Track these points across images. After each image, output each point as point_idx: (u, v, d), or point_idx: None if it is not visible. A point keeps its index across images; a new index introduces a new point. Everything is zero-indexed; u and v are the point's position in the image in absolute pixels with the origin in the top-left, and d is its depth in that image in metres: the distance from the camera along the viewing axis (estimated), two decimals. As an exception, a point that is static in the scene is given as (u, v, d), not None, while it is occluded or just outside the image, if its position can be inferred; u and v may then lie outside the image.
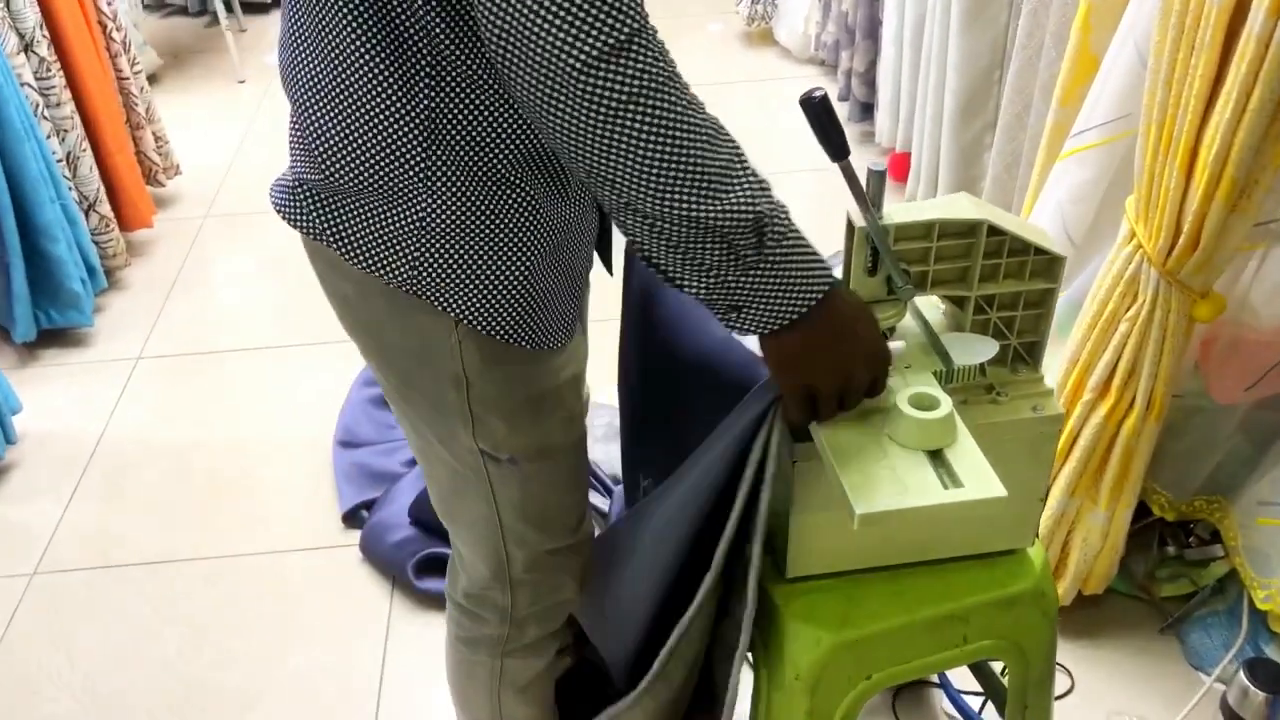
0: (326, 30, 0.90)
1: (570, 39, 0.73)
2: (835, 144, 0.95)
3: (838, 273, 1.05)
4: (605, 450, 2.01)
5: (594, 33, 0.73)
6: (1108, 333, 1.52)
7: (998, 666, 1.38)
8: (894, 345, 0.99)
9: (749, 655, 1.14)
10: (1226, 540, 1.68)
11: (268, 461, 2.24)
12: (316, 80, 0.93)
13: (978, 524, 1.08)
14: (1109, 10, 1.64)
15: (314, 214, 0.99)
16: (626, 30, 0.74)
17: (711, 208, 0.80)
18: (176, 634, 1.87)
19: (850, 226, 0.99)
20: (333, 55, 0.90)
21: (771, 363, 0.92)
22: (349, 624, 1.87)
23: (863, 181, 0.96)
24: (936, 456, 0.89)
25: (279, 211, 1.02)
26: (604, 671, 1.52)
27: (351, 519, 2.05)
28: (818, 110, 0.94)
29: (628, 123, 0.76)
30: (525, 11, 0.73)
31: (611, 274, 1.23)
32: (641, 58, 0.75)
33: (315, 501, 2.12)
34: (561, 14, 0.73)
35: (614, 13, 0.73)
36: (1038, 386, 1.03)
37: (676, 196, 0.79)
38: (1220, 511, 1.70)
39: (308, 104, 0.94)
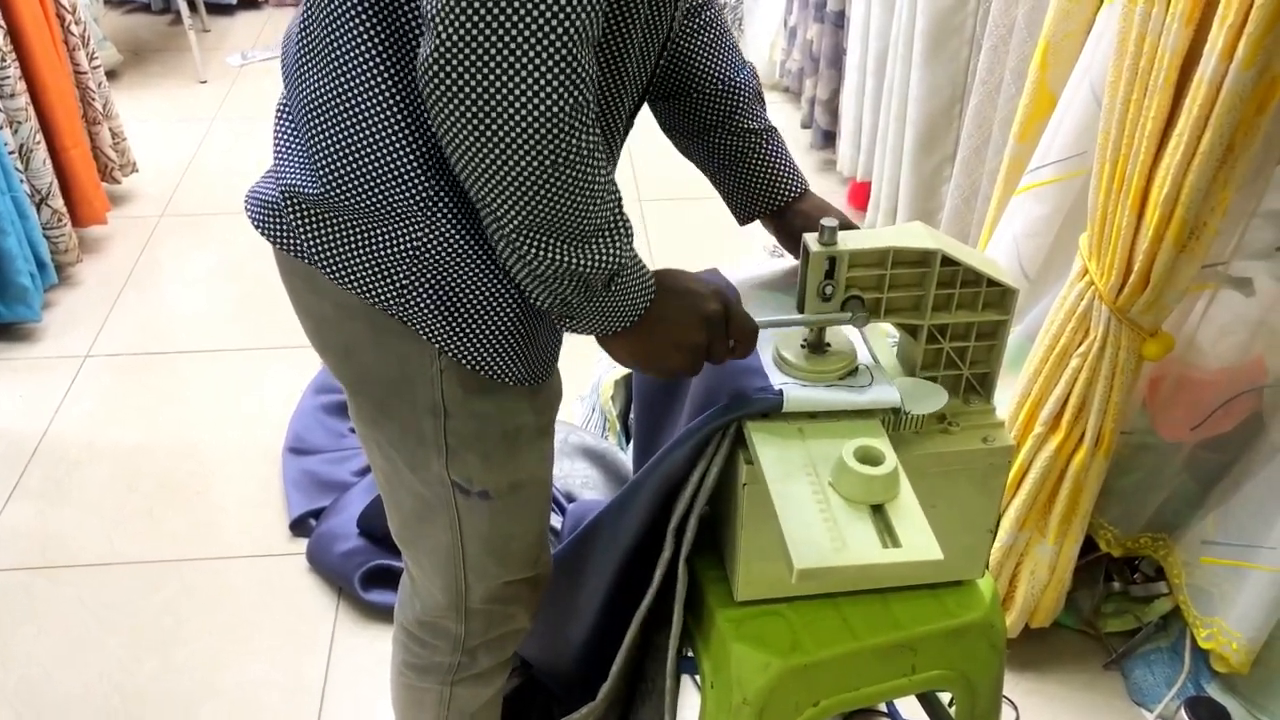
0: (338, 41, 0.88)
1: (501, 130, 0.77)
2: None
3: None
4: (560, 466, 2.00)
5: (540, 144, 0.78)
6: (1059, 368, 1.54)
7: (945, 697, 1.39)
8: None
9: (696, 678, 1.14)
10: (1170, 578, 1.70)
11: (216, 466, 2.21)
12: (324, 89, 0.90)
13: (917, 573, 1.09)
14: (1066, 49, 1.68)
15: (300, 230, 0.95)
16: (568, 132, 0.78)
17: (581, 259, 0.87)
18: (116, 641, 1.83)
19: (805, 250, 0.99)
20: (343, 67, 0.88)
21: (613, 357, 0.99)
22: (293, 634, 1.84)
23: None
24: (878, 511, 0.89)
25: (257, 227, 0.98)
26: (550, 690, 1.51)
27: (299, 527, 2.02)
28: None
29: (532, 187, 0.81)
30: (470, 108, 0.77)
31: None
32: (559, 125, 0.78)
33: (263, 508, 2.09)
34: (501, 110, 0.77)
35: (545, 89, 0.77)
36: (989, 418, 1.04)
37: (555, 247, 0.85)
38: (1165, 549, 1.72)
39: (312, 112, 0.91)
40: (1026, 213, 1.70)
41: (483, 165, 0.80)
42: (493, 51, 0.74)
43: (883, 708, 1.64)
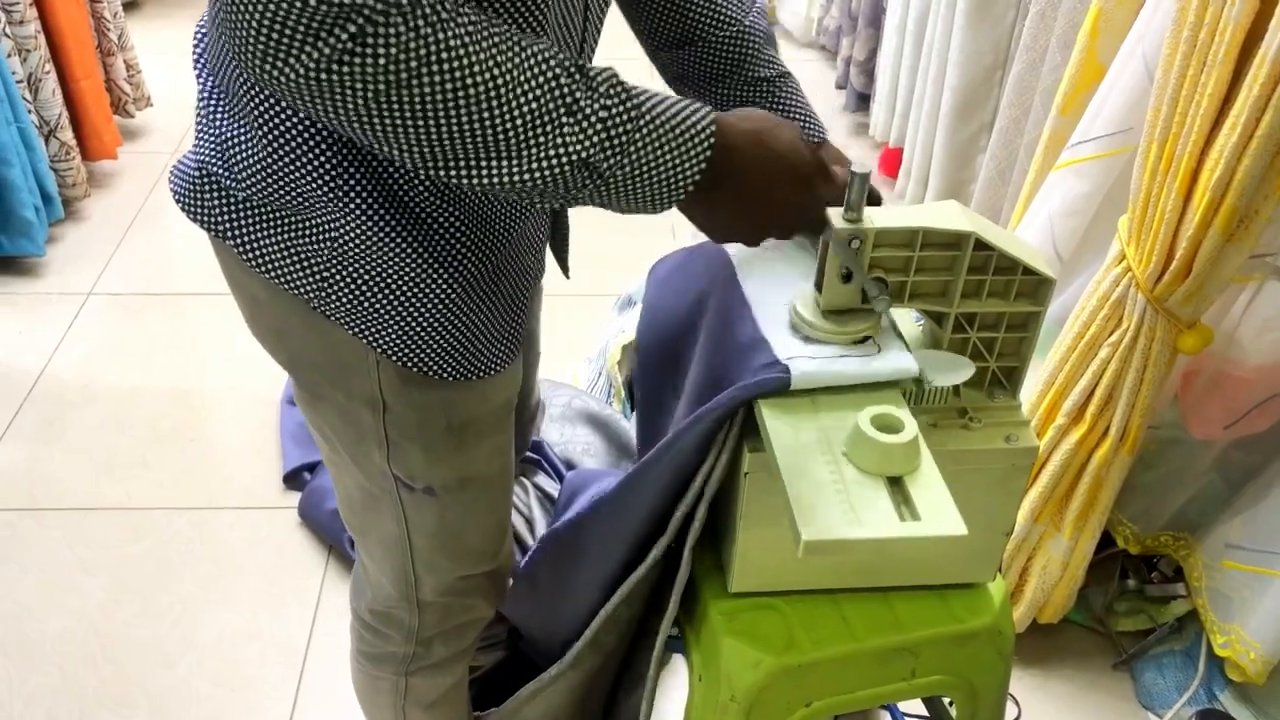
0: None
1: (294, 48, 0.65)
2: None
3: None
4: (561, 431, 1.94)
5: (314, 40, 0.64)
6: (1087, 356, 1.46)
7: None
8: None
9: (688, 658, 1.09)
10: (1190, 580, 1.63)
11: (213, 413, 2.16)
12: (225, 69, 0.82)
13: (935, 555, 1.02)
14: (1119, 18, 1.58)
15: (219, 210, 0.88)
16: (352, 28, 0.64)
17: (519, 170, 0.71)
18: (98, 585, 1.79)
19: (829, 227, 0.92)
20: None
21: (701, 230, 0.84)
22: (280, 589, 1.80)
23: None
24: (896, 484, 0.82)
25: (179, 203, 0.91)
26: (537, 666, 1.46)
27: (293, 480, 1.97)
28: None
29: (386, 116, 0.68)
30: (248, 23, 0.65)
31: (568, 277, 1.13)
32: (384, 48, 0.65)
33: (258, 459, 2.04)
34: (279, 25, 0.64)
35: (332, 17, 0.64)
36: (1014, 415, 0.97)
37: (481, 168, 0.71)
38: (1186, 549, 1.65)
39: (218, 91, 0.84)
40: (1065, 190, 1.61)
41: (353, 121, 0.69)
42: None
43: (882, 699, 1.59)
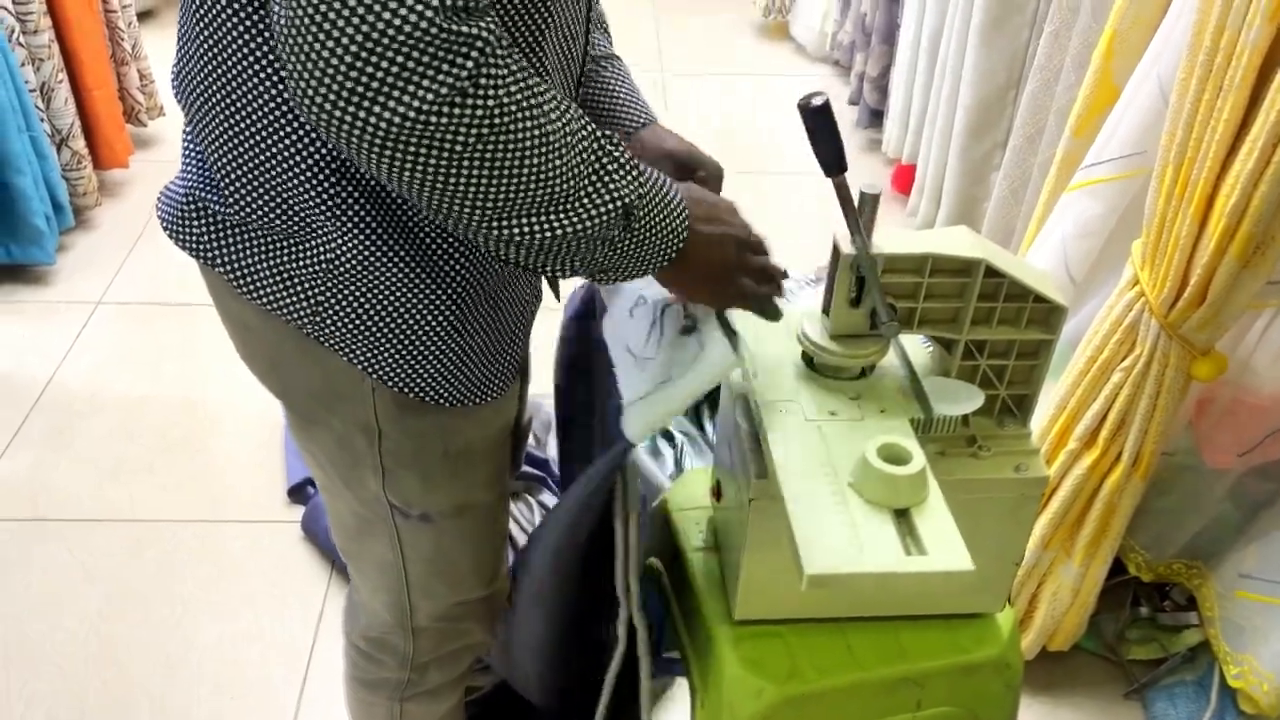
0: (215, 28, 0.77)
1: (397, 87, 0.60)
2: (830, 157, 0.86)
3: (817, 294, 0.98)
4: (567, 447, 1.93)
5: (423, 78, 0.61)
6: (1099, 382, 1.44)
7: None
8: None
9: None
10: (1203, 609, 1.61)
11: (220, 425, 2.15)
12: (208, 87, 0.80)
13: (943, 586, 1.00)
14: (1134, 39, 1.56)
15: (207, 237, 0.86)
16: (470, 64, 0.61)
17: (575, 223, 0.72)
18: (100, 592, 1.79)
19: (836, 250, 0.90)
20: (225, 59, 0.77)
21: (670, 289, 0.89)
22: (282, 603, 1.79)
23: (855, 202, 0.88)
24: (902, 516, 0.81)
25: (167, 230, 0.89)
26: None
27: (297, 494, 1.96)
28: (816, 118, 0.85)
29: (473, 168, 0.65)
30: (335, 58, 0.60)
31: (559, 299, 1.11)
32: (493, 89, 0.63)
33: (262, 472, 2.04)
34: (388, 58, 0.60)
35: (447, 47, 0.60)
36: (1023, 444, 0.95)
37: (542, 220, 0.71)
38: (1199, 578, 1.63)
39: (200, 114, 0.82)
40: (1078, 212, 1.59)
41: (408, 181, 0.66)
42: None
43: None
